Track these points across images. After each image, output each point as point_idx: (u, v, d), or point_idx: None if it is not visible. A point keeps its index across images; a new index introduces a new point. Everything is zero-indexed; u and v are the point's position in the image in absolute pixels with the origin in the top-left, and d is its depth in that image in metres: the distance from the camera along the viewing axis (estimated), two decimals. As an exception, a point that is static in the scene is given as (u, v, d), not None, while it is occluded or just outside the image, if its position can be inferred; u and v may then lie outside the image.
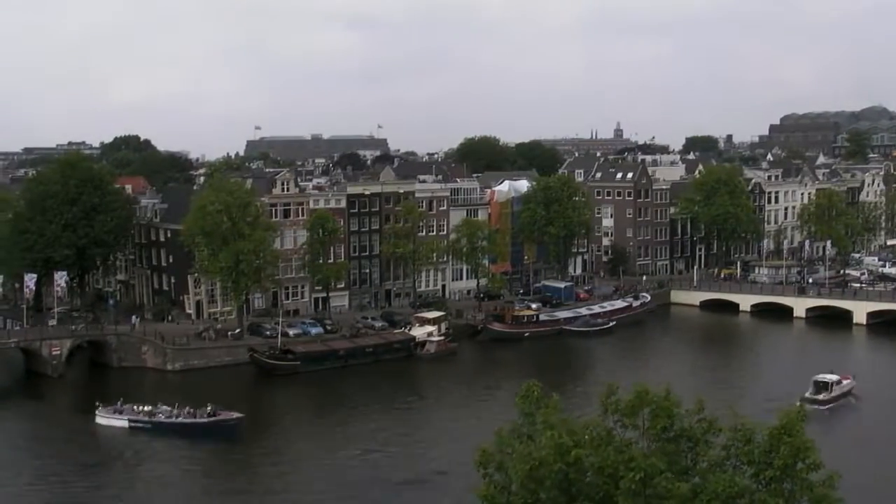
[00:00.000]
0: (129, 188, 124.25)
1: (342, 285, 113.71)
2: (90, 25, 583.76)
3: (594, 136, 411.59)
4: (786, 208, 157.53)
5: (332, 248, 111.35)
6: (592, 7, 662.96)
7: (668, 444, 26.26)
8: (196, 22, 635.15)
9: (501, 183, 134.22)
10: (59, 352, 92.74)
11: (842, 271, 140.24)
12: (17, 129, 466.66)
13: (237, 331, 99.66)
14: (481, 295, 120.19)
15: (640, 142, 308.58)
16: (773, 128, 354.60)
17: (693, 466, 26.70)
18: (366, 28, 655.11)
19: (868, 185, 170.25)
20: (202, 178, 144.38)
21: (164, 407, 75.10)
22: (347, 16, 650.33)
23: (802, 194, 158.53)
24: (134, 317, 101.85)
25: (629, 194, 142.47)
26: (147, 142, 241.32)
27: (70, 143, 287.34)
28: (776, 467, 25.48)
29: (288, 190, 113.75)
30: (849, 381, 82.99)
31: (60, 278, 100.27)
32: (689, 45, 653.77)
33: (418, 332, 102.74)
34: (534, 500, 24.71)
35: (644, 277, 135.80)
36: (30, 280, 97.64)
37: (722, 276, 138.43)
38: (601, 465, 24.47)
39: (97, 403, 75.69)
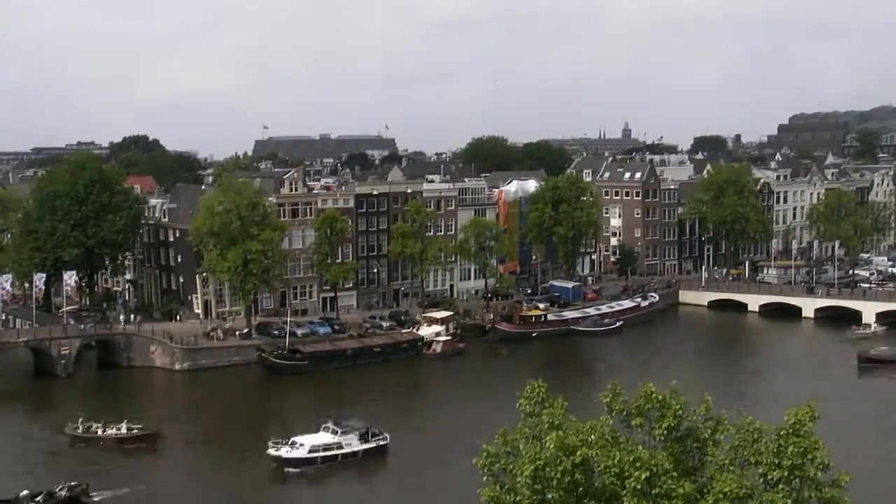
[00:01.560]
0: (137, 188, 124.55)
1: (350, 285, 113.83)
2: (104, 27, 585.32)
3: (602, 136, 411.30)
4: (794, 208, 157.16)
5: (339, 248, 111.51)
6: (595, 10, 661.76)
7: (674, 444, 26.23)
8: (219, 22, 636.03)
9: (509, 183, 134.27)
10: (68, 351, 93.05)
11: (851, 271, 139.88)
12: (27, 129, 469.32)
13: (245, 330, 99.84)
14: (489, 295, 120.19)
15: (649, 142, 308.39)
16: (781, 127, 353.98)
17: (700, 467, 26.67)
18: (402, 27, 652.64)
19: (877, 184, 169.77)
20: (210, 178, 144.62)
21: None
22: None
23: (811, 194, 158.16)
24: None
25: (637, 194, 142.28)
26: (156, 141, 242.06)
27: (79, 143, 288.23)
28: (784, 468, 25.42)
29: (296, 190, 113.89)
30: None
31: (70, 278, 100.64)
32: (701, 46, 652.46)
33: (426, 331, 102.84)
34: (539, 501, 24.70)
35: (652, 278, 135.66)
36: (38, 279, 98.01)
37: (730, 276, 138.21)
38: (607, 464, 24.43)
39: None
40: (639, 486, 23.78)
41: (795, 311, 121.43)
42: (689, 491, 24.16)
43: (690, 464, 26.55)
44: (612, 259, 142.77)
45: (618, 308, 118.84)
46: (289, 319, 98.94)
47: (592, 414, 26.77)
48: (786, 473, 25.42)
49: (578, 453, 23.95)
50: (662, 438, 26.06)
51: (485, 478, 26.20)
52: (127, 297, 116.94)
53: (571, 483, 24.30)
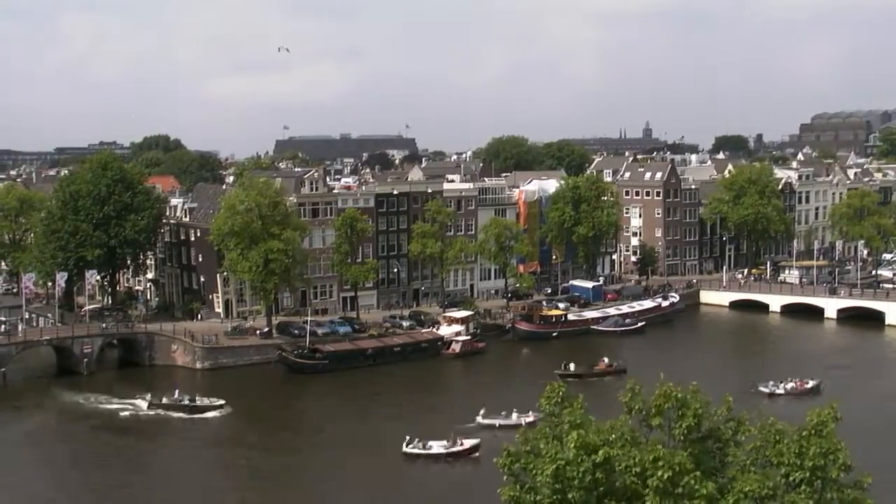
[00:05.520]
0: (159, 188, 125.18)
1: (370, 285, 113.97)
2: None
3: (623, 136, 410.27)
4: (817, 208, 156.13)
5: (360, 248, 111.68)
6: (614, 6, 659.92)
7: (695, 444, 26.11)
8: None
9: (530, 182, 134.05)
10: (90, 350, 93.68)
11: (874, 272, 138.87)
12: (49, 129, 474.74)
13: (265, 329, 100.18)
14: (509, 294, 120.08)
15: (669, 141, 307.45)
16: (803, 127, 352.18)
17: (721, 467, 26.54)
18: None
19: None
20: (231, 178, 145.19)
21: None
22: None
23: (834, 194, 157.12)
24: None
25: (658, 194, 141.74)
26: (177, 141, 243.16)
27: (101, 143, 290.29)
28: (806, 468, 25.29)
29: (316, 189, 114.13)
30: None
31: (92, 277, 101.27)
32: (712, 46, 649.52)
33: (446, 331, 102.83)
34: (560, 501, 24.63)
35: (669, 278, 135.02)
36: (60, 278, 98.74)
37: (752, 276, 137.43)
38: (628, 464, 24.35)
39: None
40: (661, 486, 23.69)
41: (817, 312, 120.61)
42: (712, 491, 24.05)
43: (711, 464, 26.43)
44: (633, 259, 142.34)
45: (638, 308, 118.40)
46: (309, 319, 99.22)
47: (612, 414, 26.70)
48: (808, 474, 25.30)
49: (600, 453, 23.90)
50: (682, 438, 25.96)
51: (505, 477, 26.17)
52: (149, 297, 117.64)
53: (592, 482, 24.25)
